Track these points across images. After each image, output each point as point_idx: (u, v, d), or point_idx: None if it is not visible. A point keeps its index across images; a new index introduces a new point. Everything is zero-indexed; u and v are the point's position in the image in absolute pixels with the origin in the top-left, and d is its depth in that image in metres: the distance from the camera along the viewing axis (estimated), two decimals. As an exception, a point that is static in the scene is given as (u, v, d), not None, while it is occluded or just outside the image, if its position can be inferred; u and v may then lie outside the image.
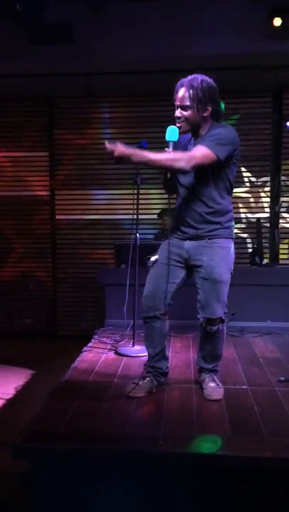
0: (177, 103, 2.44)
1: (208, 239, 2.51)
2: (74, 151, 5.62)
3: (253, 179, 5.48)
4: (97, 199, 5.65)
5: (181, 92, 2.42)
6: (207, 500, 2.02)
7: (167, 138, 2.42)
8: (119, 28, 4.34)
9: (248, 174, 5.48)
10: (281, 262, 5.41)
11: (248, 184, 5.50)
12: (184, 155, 2.38)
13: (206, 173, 2.45)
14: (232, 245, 2.59)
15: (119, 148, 2.28)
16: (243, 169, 5.43)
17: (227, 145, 2.40)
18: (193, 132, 2.51)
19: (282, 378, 2.81)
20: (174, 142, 2.40)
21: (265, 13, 4.18)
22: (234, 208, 5.39)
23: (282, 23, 4.15)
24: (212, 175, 2.46)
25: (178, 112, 2.45)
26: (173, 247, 2.58)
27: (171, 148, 2.39)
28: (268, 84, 5.19)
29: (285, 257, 5.48)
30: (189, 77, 2.45)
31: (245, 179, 5.48)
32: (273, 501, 1.99)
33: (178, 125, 2.45)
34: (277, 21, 4.15)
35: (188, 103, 2.41)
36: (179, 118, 2.45)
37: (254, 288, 4.20)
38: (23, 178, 5.72)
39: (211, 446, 2.07)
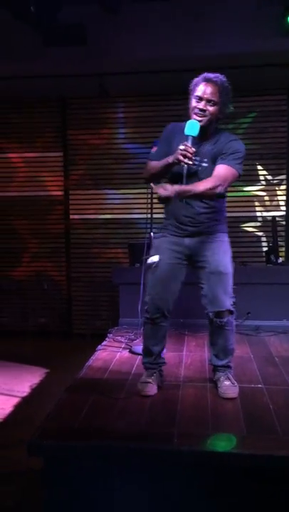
0: (205, 96, 2.41)
1: (210, 234, 2.55)
2: (88, 151, 5.65)
3: (269, 177, 5.44)
4: (110, 198, 5.66)
5: (212, 87, 2.41)
6: (221, 498, 2.01)
7: (187, 132, 2.39)
8: (131, 28, 4.35)
9: (264, 172, 5.43)
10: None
11: (263, 182, 5.45)
12: (217, 180, 2.39)
13: (211, 174, 2.46)
14: (228, 239, 2.65)
15: (168, 190, 2.31)
16: (259, 167, 5.39)
17: (242, 159, 2.51)
18: (204, 130, 2.46)
19: (298, 377, 2.78)
20: (192, 137, 2.37)
21: (279, 10, 4.14)
22: (250, 206, 5.46)
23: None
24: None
25: (202, 105, 2.42)
26: (172, 245, 2.57)
27: (190, 143, 2.35)
28: (283, 81, 5.14)
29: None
30: (215, 74, 2.45)
31: (261, 177, 5.44)
32: (286, 500, 1.97)
33: (199, 118, 2.42)
34: (291, 18, 4.11)
35: (216, 99, 2.42)
36: (203, 111, 2.42)
37: (270, 287, 4.18)
38: (37, 178, 5.76)
39: (226, 444, 2.06)
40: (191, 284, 2.61)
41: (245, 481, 1.99)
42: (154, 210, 3.63)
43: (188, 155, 2.31)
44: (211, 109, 2.43)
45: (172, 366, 3.04)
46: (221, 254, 2.55)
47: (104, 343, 3.70)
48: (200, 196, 2.42)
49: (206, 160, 2.48)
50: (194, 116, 2.43)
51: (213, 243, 2.55)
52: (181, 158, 2.32)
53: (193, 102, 2.45)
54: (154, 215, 3.68)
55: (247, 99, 5.28)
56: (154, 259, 2.56)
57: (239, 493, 1.99)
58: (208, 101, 2.42)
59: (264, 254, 5.10)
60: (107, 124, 5.60)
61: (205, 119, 2.43)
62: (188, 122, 2.41)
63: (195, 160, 2.42)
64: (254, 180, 5.42)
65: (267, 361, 3.19)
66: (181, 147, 2.33)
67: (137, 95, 5.41)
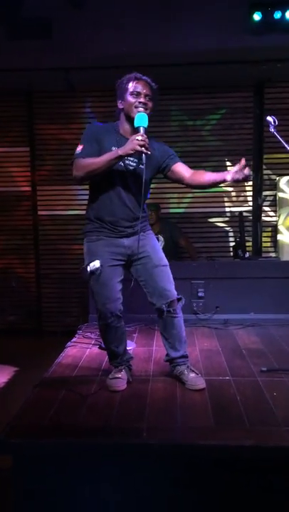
0: (144, 91, 2.47)
1: (143, 231, 2.62)
2: (55, 145, 5.58)
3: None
4: (79, 194, 5.62)
5: (145, 84, 2.49)
6: (192, 490, 2.04)
7: (138, 123, 2.40)
8: (99, 22, 4.31)
9: (231, 168, 5.50)
10: (263, 255, 5.46)
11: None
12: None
13: (149, 178, 2.60)
14: None
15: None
16: (227, 163, 5.47)
17: None
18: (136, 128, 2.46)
19: (265, 369, 2.85)
20: (144, 128, 2.39)
21: (245, 8, 4.20)
22: (217, 201, 5.54)
23: (261, 18, 4.18)
24: (150, 179, 2.64)
25: (143, 99, 2.46)
26: (110, 247, 2.57)
27: (143, 133, 2.37)
28: (249, 78, 5.23)
29: (268, 250, 5.53)
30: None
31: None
32: (257, 490, 2.02)
33: (147, 112, 2.47)
34: (257, 16, 4.18)
35: (151, 95, 2.50)
36: (145, 105, 2.47)
37: (237, 281, 4.25)
38: (4, 173, 5.66)
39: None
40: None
41: (215, 472, 2.03)
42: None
43: (146, 145, 2.32)
44: (150, 103, 2.49)
45: (142, 361, 3.06)
46: (158, 248, 2.69)
47: (73, 339, 3.68)
48: (206, 183, 2.57)
49: (143, 162, 2.41)
50: (138, 109, 2.44)
51: (148, 239, 2.66)
52: (138, 148, 2.30)
53: (132, 98, 2.46)
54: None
55: (214, 95, 5.34)
56: (96, 264, 2.52)
57: (210, 484, 2.03)
58: (147, 96, 2.48)
59: (232, 249, 5.19)
60: (75, 118, 5.55)
61: (147, 112, 2.46)
62: (137, 115, 2.42)
63: (134, 159, 2.48)
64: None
65: (234, 354, 3.25)
66: (139, 137, 2.31)
67: (104, 90, 5.37)
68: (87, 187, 5.67)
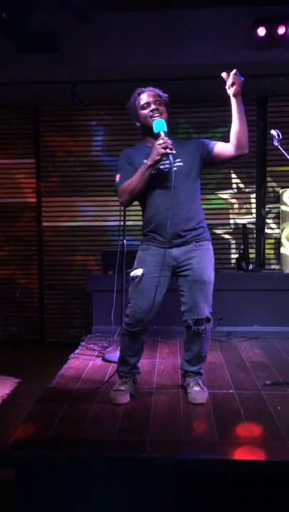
0: (151, 99, 2.54)
1: (196, 242, 2.56)
2: (61, 158, 5.63)
3: (240, 185, 5.55)
4: (84, 206, 5.66)
5: (150, 92, 2.57)
6: (195, 504, 2.02)
7: (157, 129, 2.45)
8: (105, 37, 4.38)
9: (235, 180, 5.54)
10: (267, 267, 5.46)
11: (234, 190, 5.56)
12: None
13: (190, 175, 2.54)
14: (212, 246, 2.67)
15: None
16: (233, 175, 5.50)
17: None
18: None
19: (268, 382, 2.83)
20: (164, 132, 2.44)
21: (250, 22, 4.26)
22: (221, 213, 5.56)
23: (266, 33, 4.24)
24: (194, 177, 2.57)
25: (153, 106, 2.52)
26: (157, 257, 2.53)
27: (163, 136, 2.41)
28: (252, 92, 5.27)
29: (271, 262, 5.53)
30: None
31: (234, 185, 5.54)
32: (261, 504, 2.00)
33: (159, 116, 2.51)
34: (261, 31, 4.23)
35: (160, 99, 2.56)
36: (157, 110, 2.52)
37: (241, 293, 4.25)
38: (10, 184, 5.71)
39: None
40: (167, 291, 2.62)
41: (219, 486, 2.01)
42: (127, 218, 3.65)
43: (169, 145, 2.36)
44: (161, 107, 2.54)
45: (145, 373, 3.05)
46: (206, 263, 2.56)
47: (77, 351, 3.68)
48: (245, 130, 2.47)
49: (179, 160, 2.50)
50: (153, 119, 2.51)
51: (199, 251, 2.56)
52: (163, 150, 2.35)
53: (144, 111, 2.54)
54: (127, 223, 3.70)
55: (217, 108, 5.38)
56: (138, 272, 2.52)
57: (213, 498, 2.01)
58: (155, 102, 2.54)
59: (234, 261, 5.20)
60: (80, 131, 5.60)
61: (163, 116, 2.52)
62: (154, 122, 2.48)
63: (163, 160, 2.46)
64: (226, 188, 5.52)
65: (238, 367, 3.24)
66: (160, 141, 2.38)
67: (110, 103, 5.44)
68: (90, 198, 5.75)
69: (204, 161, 2.59)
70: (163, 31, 4.38)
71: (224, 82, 2.43)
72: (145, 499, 2.02)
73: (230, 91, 2.43)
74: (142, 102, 2.54)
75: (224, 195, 5.55)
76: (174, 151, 2.37)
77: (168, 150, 2.36)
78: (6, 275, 5.76)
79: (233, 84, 2.40)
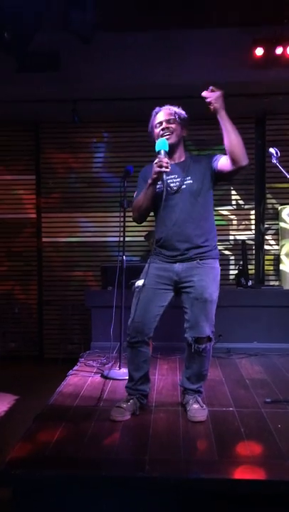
0: (164, 118, 2.60)
1: (200, 260, 2.57)
2: (61, 174, 5.68)
3: (240, 202, 5.58)
4: (83, 221, 5.68)
5: (165, 111, 2.63)
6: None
7: (158, 148, 2.48)
8: (105, 56, 4.46)
9: (235, 197, 5.57)
10: (266, 283, 5.46)
11: (234, 207, 5.59)
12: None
13: (200, 193, 2.55)
14: (219, 265, 2.66)
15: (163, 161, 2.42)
16: (233, 192, 5.54)
17: None
18: (174, 148, 2.58)
19: (269, 400, 2.81)
20: (164, 151, 2.47)
21: (248, 42, 4.34)
22: (221, 229, 5.58)
23: (263, 53, 4.32)
24: (204, 194, 2.57)
25: (165, 125, 2.58)
26: (160, 271, 2.59)
27: (163, 155, 2.44)
28: (250, 111, 5.34)
29: (270, 278, 5.53)
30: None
31: (233, 201, 5.57)
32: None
33: (167, 137, 2.55)
34: (259, 51, 4.31)
35: (174, 117, 2.60)
36: (167, 129, 2.58)
37: (240, 309, 4.24)
38: (11, 200, 5.74)
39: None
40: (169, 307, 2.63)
41: (219, 506, 1.98)
42: (127, 234, 3.66)
43: (164, 164, 2.40)
44: (173, 125, 2.59)
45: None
46: (209, 281, 2.55)
47: (75, 367, 3.65)
48: (237, 142, 2.47)
49: (189, 177, 2.55)
50: (161, 137, 2.56)
51: (202, 269, 2.55)
52: (158, 169, 2.41)
53: (156, 130, 2.61)
54: (127, 239, 3.70)
55: (216, 126, 5.44)
56: (139, 283, 2.58)
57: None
58: (168, 121, 2.59)
59: (234, 277, 5.20)
60: (81, 148, 5.66)
61: (172, 136, 2.57)
62: (157, 142, 2.53)
63: (174, 178, 2.54)
64: (226, 204, 5.55)
65: (238, 384, 3.22)
66: (156, 161, 2.43)
67: (110, 121, 5.50)
68: (91, 214, 5.77)
69: (215, 177, 2.60)
70: (163, 51, 4.46)
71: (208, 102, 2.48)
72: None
73: (211, 107, 2.49)
74: (156, 122, 2.62)
75: (224, 211, 5.58)
76: (168, 170, 2.42)
77: (163, 168, 2.41)
78: (5, 290, 5.75)
79: (210, 102, 2.47)
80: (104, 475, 2.01)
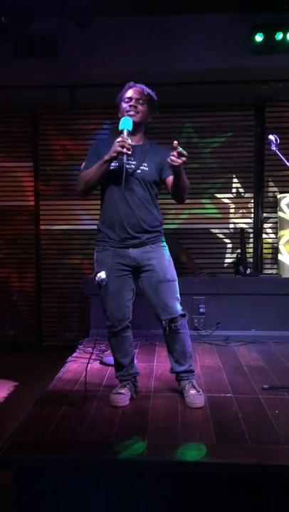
0: (134, 95, 2.55)
1: (152, 244, 2.60)
2: (59, 161, 5.65)
3: (239, 190, 5.56)
4: (82, 209, 5.66)
5: (138, 89, 2.58)
6: (193, 508, 2.02)
7: (122, 127, 2.45)
8: (104, 41, 4.40)
9: (235, 185, 5.56)
10: (264, 271, 5.47)
11: (234, 195, 5.57)
12: None
13: (152, 181, 2.57)
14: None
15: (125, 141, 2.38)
16: (235, 180, 5.52)
17: None
18: (135, 129, 2.53)
19: (266, 386, 2.84)
20: (128, 131, 2.44)
21: (248, 29, 4.29)
22: (219, 218, 5.57)
23: (263, 39, 4.27)
24: (155, 183, 2.60)
25: (133, 102, 2.54)
26: (117, 258, 2.53)
27: (125, 135, 2.41)
28: (250, 98, 5.30)
29: (269, 267, 5.54)
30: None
31: (233, 190, 5.56)
32: (258, 508, 2.00)
33: (132, 113, 2.53)
34: (259, 37, 4.27)
35: (144, 98, 2.57)
36: (135, 108, 2.54)
37: (238, 297, 4.26)
38: (8, 187, 5.71)
39: (196, 453, 2.07)
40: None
41: (217, 490, 2.01)
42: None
43: (127, 145, 2.36)
44: (141, 107, 2.56)
45: (143, 377, 3.04)
46: (167, 262, 2.61)
47: (74, 354, 3.67)
48: (183, 184, 2.45)
49: (145, 164, 2.54)
50: (127, 114, 2.53)
51: (156, 252, 2.60)
52: (119, 148, 2.36)
53: (124, 104, 2.57)
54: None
55: (215, 114, 5.42)
56: (102, 275, 2.53)
57: (210, 502, 2.01)
58: (138, 100, 2.55)
59: (232, 265, 5.21)
60: (78, 135, 5.62)
61: (137, 115, 2.54)
62: (122, 119, 2.49)
63: (130, 160, 2.49)
64: (225, 192, 5.53)
65: (236, 371, 3.24)
66: (118, 139, 2.38)
67: (107, 107, 5.45)
68: (89, 202, 5.75)
69: (160, 175, 2.61)
70: (161, 36, 4.40)
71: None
72: (143, 502, 2.01)
73: (173, 164, 2.33)
74: (126, 96, 2.58)
75: (223, 199, 5.56)
76: (129, 152, 2.38)
77: (124, 150, 2.36)
78: (3, 278, 5.75)
79: (173, 161, 2.30)
80: (102, 459, 2.04)
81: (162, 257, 2.61)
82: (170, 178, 2.54)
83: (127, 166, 2.47)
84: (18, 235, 5.73)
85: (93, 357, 3.56)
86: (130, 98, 2.56)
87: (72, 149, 5.63)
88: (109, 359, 3.41)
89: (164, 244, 2.68)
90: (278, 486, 1.98)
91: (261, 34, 4.26)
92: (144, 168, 2.54)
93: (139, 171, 2.53)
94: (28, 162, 5.67)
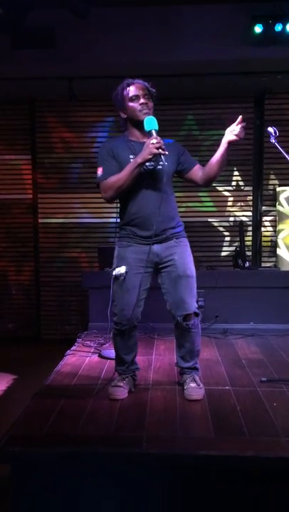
0: (141, 92, 2.51)
1: (176, 238, 2.59)
2: (57, 154, 5.62)
3: (236, 183, 5.55)
4: (80, 202, 5.64)
5: (140, 85, 2.53)
6: (191, 500, 2.03)
7: (149, 127, 2.42)
8: (101, 33, 4.37)
9: (235, 178, 5.54)
10: (263, 264, 5.47)
11: (233, 187, 5.55)
12: None
13: (170, 176, 2.59)
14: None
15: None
16: (235, 173, 5.50)
17: None
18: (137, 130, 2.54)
19: (264, 379, 2.84)
20: (156, 131, 2.42)
21: (247, 19, 4.25)
22: (218, 211, 5.56)
23: (263, 30, 4.23)
24: (171, 178, 2.62)
25: (144, 100, 2.50)
26: (139, 254, 2.53)
27: (155, 135, 2.39)
28: (249, 90, 5.27)
29: (267, 260, 5.54)
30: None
31: (233, 182, 5.54)
32: (257, 500, 2.00)
33: (149, 112, 2.50)
34: (258, 28, 4.23)
35: (149, 94, 2.54)
36: (146, 105, 2.50)
37: (237, 290, 4.26)
38: (6, 180, 5.69)
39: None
40: (160, 288, 2.63)
41: (215, 482, 2.02)
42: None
43: (162, 146, 2.35)
44: (150, 103, 2.53)
45: (141, 370, 3.03)
46: (188, 258, 2.60)
47: (73, 347, 3.68)
48: (219, 173, 2.54)
49: (163, 158, 2.47)
50: (143, 113, 2.48)
51: (179, 247, 2.59)
52: (155, 150, 2.34)
53: (133, 103, 2.50)
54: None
55: (214, 106, 5.38)
56: (121, 270, 2.52)
57: (208, 494, 2.02)
58: (144, 96, 2.51)
59: (231, 258, 5.20)
60: (77, 127, 5.59)
61: (149, 112, 2.50)
62: (146, 120, 2.45)
63: (156, 160, 2.46)
64: (225, 184, 5.51)
65: (234, 363, 3.25)
66: (153, 141, 2.35)
67: (106, 99, 5.40)
68: (87, 195, 5.73)
69: (177, 168, 2.61)
70: (161, 27, 4.37)
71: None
72: (141, 495, 2.02)
73: (229, 137, 2.43)
74: (131, 94, 2.50)
75: (223, 191, 5.55)
76: (166, 153, 2.37)
77: (161, 151, 2.35)
78: (2, 271, 5.75)
79: (235, 134, 2.43)
80: (101, 452, 2.04)
81: (184, 253, 2.59)
82: (196, 167, 2.59)
83: (147, 164, 2.47)
84: (16, 228, 5.72)
85: (92, 350, 3.57)
86: (137, 96, 2.50)
87: (71, 142, 5.60)
88: (108, 352, 3.42)
89: (186, 241, 2.66)
90: (276, 478, 1.98)
91: (261, 25, 4.22)
92: (164, 163, 2.48)
93: (159, 166, 2.50)
94: (26, 155, 5.64)
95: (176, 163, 2.60)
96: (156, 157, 2.39)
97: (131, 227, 2.58)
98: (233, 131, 2.45)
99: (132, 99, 2.50)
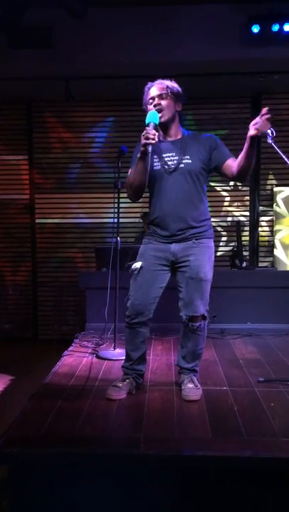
0: (155, 93, 2.53)
1: (196, 239, 2.57)
2: (54, 154, 5.61)
3: (233, 183, 5.54)
4: (77, 203, 5.64)
5: (157, 86, 2.56)
6: (189, 501, 2.03)
7: (148, 120, 2.42)
8: (99, 32, 4.36)
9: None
10: (260, 264, 5.47)
11: (231, 187, 5.56)
12: None
13: (197, 174, 2.54)
14: (213, 244, 2.67)
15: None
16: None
17: None
18: (168, 125, 2.55)
19: (262, 379, 2.84)
20: (154, 124, 2.40)
21: (244, 19, 4.25)
22: (215, 211, 5.56)
23: (260, 30, 4.23)
24: (201, 175, 2.56)
25: (156, 101, 2.52)
26: (157, 252, 2.58)
27: (151, 128, 2.38)
28: (246, 90, 5.27)
29: (264, 260, 5.55)
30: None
31: (230, 182, 5.54)
32: (254, 500, 2.01)
33: (160, 114, 2.49)
34: (255, 28, 4.23)
35: (165, 92, 2.53)
36: (159, 105, 2.51)
37: (234, 290, 4.25)
38: (2, 180, 5.67)
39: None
40: (161, 289, 2.62)
41: (213, 482, 2.02)
42: (121, 215, 3.64)
43: (150, 136, 2.34)
44: (165, 101, 2.52)
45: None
46: (204, 261, 2.56)
47: (70, 348, 3.67)
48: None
49: (187, 157, 2.51)
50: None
51: (197, 248, 2.55)
52: (144, 140, 2.34)
53: (149, 107, 2.54)
54: (121, 220, 3.68)
55: (211, 106, 5.38)
56: (137, 265, 2.57)
57: (207, 495, 2.02)
58: (160, 96, 2.53)
59: (228, 258, 5.20)
60: (74, 127, 5.58)
61: (164, 112, 2.51)
62: (148, 114, 2.46)
63: (171, 156, 2.49)
64: (222, 184, 5.51)
65: (232, 364, 3.25)
66: (144, 132, 2.37)
67: (103, 99, 5.42)
68: (84, 196, 5.73)
69: (211, 167, 2.58)
70: (158, 27, 4.36)
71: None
72: (139, 496, 2.02)
73: (251, 131, 2.37)
74: (148, 97, 2.56)
75: (220, 191, 5.55)
76: (153, 142, 2.35)
77: (149, 140, 2.33)
78: (-1, 272, 5.74)
79: (257, 128, 2.35)
80: (98, 453, 2.04)
81: (201, 255, 2.55)
82: (229, 161, 2.53)
83: (169, 163, 2.49)
84: (13, 228, 5.70)
85: (89, 351, 3.56)
86: (152, 98, 2.54)
87: (68, 142, 5.59)
88: (105, 353, 3.42)
89: (209, 242, 2.61)
90: (274, 479, 1.98)
91: (258, 25, 4.22)
92: (187, 161, 2.50)
93: (182, 165, 2.50)
94: (23, 155, 5.63)
95: (206, 159, 2.56)
96: (146, 147, 2.36)
97: (153, 226, 2.63)
98: (255, 125, 2.34)
99: (149, 103, 2.56)
